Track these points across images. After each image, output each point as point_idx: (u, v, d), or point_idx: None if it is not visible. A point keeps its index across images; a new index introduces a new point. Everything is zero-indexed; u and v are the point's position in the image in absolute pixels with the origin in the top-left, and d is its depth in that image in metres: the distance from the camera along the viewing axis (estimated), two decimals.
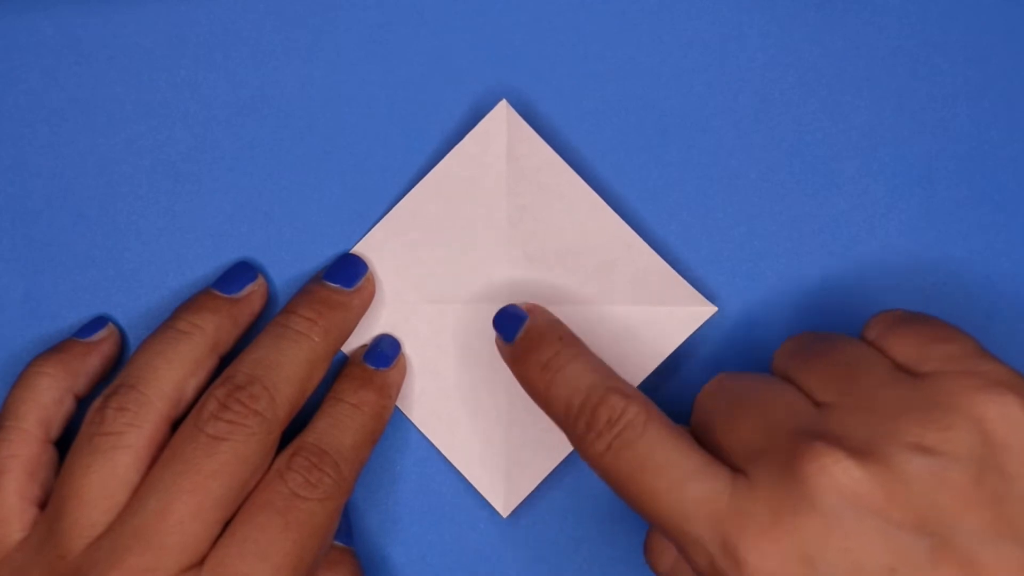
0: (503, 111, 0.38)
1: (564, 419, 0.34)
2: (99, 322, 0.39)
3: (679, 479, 0.31)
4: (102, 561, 0.33)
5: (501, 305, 0.39)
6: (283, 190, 0.40)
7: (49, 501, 0.35)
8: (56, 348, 0.38)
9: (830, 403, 0.32)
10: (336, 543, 0.38)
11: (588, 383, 0.34)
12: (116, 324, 0.40)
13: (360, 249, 0.40)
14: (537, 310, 0.38)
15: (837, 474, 0.29)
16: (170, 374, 0.36)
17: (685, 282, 0.39)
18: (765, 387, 0.33)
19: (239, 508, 0.35)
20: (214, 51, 0.40)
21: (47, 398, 0.37)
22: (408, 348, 0.40)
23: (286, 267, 0.40)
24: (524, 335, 0.36)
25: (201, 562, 0.34)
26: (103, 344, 0.39)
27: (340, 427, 0.37)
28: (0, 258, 0.40)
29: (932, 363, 0.31)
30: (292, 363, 0.36)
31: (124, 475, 0.35)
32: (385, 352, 0.39)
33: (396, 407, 0.40)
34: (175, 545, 0.33)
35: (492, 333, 0.39)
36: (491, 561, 0.40)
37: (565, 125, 0.40)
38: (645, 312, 0.39)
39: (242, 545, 0.34)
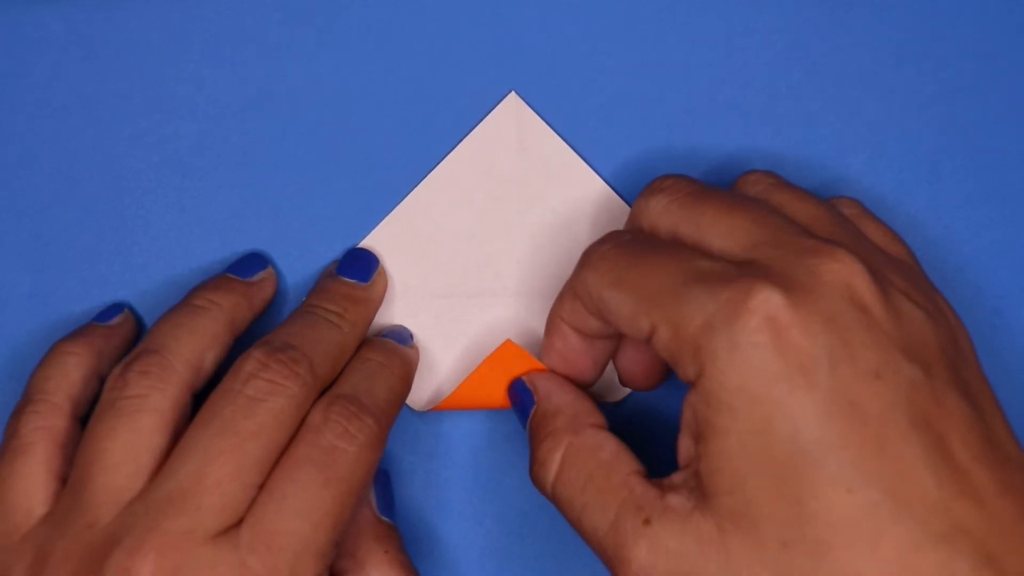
0: (513, 103, 0.39)
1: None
2: (115, 308, 0.39)
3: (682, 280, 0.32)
4: (137, 525, 0.32)
5: (509, 299, 0.39)
6: (291, 185, 0.40)
7: (71, 472, 0.34)
8: (80, 331, 0.38)
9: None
10: (382, 518, 0.38)
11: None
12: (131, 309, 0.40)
13: (369, 243, 0.40)
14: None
15: (849, 282, 0.30)
16: (192, 343, 0.36)
17: None
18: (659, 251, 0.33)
19: (275, 465, 0.34)
20: (221, 46, 0.40)
21: (76, 375, 0.37)
22: (416, 342, 0.40)
23: (294, 262, 0.40)
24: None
25: (239, 522, 0.33)
26: (123, 327, 0.39)
27: (373, 380, 0.36)
28: (7, 253, 0.40)
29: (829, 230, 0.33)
30: (326, 342, 0.36)
31: (149, 438, 0.34)
32: (401, 332, 0.39)
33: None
34: (213, 506, 0.32)
35: (499, 327, 0.39)
36: (493, 560, 0.40)
37: (570, 121, 0.40)
38: None
39: (281, 502, 0.33)
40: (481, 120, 0.39)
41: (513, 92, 0.39)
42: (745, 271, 0.31)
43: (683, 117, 0.40)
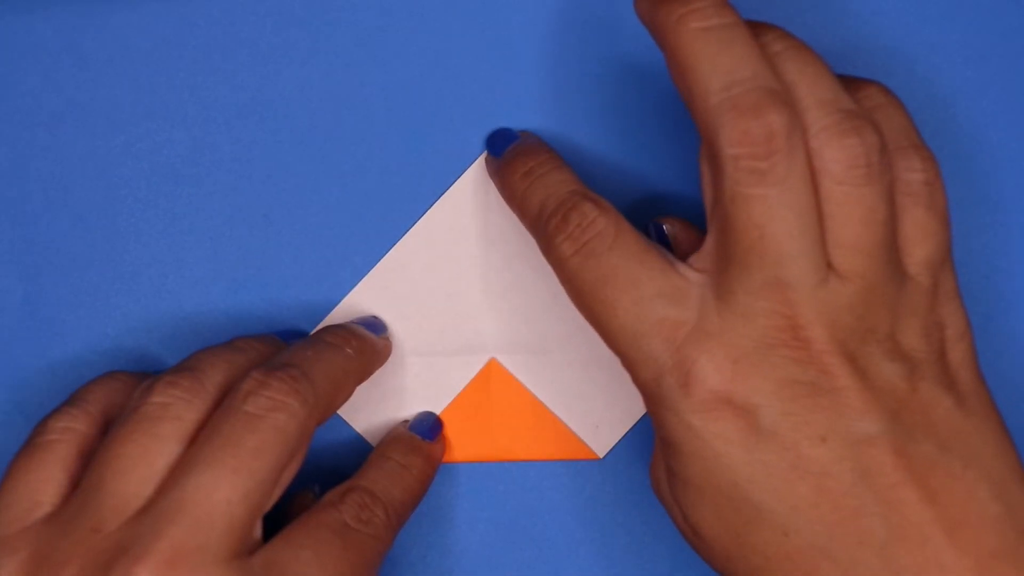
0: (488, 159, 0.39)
1: (536, 221, 0.34)
2: None
3: (644, 297, 0.32)
4: (144, 535, 0.31)
5: (488, 356, 0.39)
6: (282, 192, 0.40)
7: (85, 475, 0.33)
8: (141, 373, 0.37)
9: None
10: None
11: (566, 190, 0.34)
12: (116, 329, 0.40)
13: (349, 302, 0.40)
14: (528, 134, 0.38)
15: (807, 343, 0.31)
16: (226, 371, 0.35)
17: None
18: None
19: (292, 521, 0.34)
20: (213, 53, 0.40)
21: (120, 396, 0.36)
22: (396, 401, 0.40)
23: (285, 270, 0.40)
24: (512, 148, 0.37)
25: (250, 554, 0.32)
26: None
27: (390, 480, 0.37)
28: None
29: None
30: (329, 363, 0.36)
31: (164, 444, 0.33)
32: (430, 427, 0.39)
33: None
34: (220, 526, 0.32)
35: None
36: (491, 562, 0.40)
37: (565, 126, 0.40)
38: None
39: (299, 551, 0.33)
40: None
41: (486, 152, 0.39)
42: (702, 331, 0.31)
43: (675, 123, 0.40)
